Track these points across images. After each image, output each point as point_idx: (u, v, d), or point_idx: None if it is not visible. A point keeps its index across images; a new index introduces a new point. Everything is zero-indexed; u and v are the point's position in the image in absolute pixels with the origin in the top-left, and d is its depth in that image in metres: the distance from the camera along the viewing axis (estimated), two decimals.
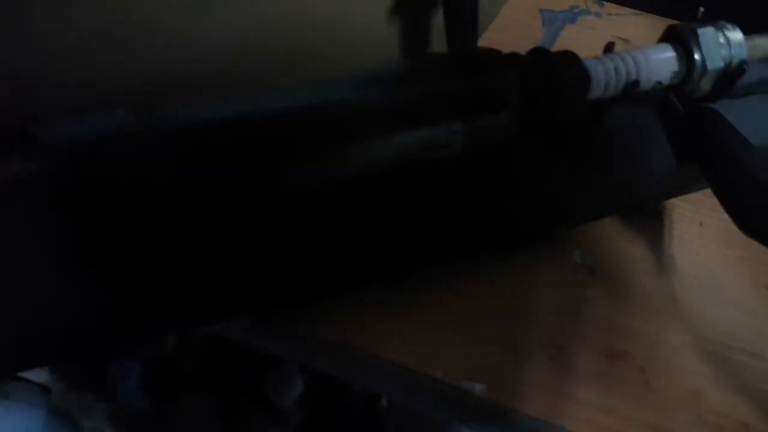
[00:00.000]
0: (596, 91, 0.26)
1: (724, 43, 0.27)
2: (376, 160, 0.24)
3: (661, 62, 0.27)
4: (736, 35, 0.28)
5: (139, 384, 0.83)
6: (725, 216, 0.26)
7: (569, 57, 0.26)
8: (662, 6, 0.40)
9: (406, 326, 0.29)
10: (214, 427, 0.86)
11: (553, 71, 0.25)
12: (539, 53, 0.26)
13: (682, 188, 0.31)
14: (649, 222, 0.32)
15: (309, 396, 0.89)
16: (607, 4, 0.41)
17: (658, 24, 0.40)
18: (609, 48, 0.28)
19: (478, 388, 0.28)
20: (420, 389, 0.29)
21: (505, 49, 0.32)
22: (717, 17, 0.28)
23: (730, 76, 0.27)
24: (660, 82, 0.27)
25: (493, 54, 0.25)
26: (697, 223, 0.33)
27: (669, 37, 0.29)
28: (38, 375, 0.79)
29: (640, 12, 0.41)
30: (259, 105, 0.23)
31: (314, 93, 0.24)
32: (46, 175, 0.20)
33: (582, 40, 0.25)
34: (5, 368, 0.25)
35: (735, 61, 0.27)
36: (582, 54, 0.26)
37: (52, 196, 0.20)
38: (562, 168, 0.29)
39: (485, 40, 0.38)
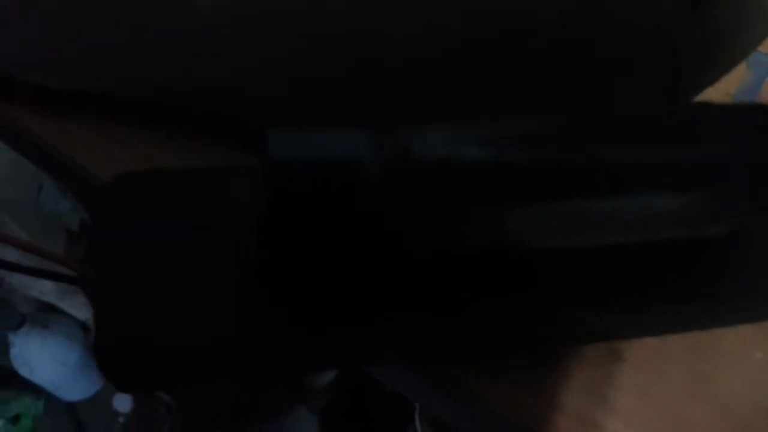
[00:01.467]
0: None
1: None
2: (617, 225, 0.20)
3: None
4: None
5: None
6: None
7: None
8: None
9: (559, 395, 0.26)
10: (240, 395, 0.85)
11: None
12: None
13: None
14: None
15: (341, 382, 0.87)
16: None
17: None
18: None
19: None
20: None
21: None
22: None
23: None
24: None
25: None
26: None
27: None
28: (79, 311, 0.78)
29: None
30: (505, 141, 0.19)
31: (559, 135, 0.20)
32: (264, 180, 0.16)
33: None
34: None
35: None
36: None
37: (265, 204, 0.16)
38: None
39: None
